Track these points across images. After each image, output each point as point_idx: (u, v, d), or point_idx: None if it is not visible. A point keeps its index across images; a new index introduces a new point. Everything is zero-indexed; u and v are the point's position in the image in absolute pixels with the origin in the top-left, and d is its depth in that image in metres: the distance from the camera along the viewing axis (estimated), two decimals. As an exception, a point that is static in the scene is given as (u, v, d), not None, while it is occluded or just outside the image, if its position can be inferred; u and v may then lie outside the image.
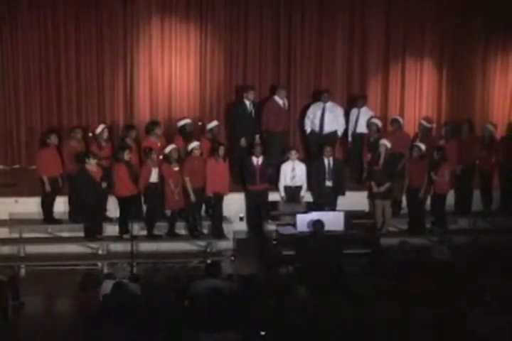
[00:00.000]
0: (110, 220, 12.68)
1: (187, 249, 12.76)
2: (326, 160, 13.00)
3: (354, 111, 14.18)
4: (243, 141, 13.60)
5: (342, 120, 14.04)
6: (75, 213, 12.55)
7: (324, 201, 12.88)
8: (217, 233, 12.73)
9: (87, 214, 12.28)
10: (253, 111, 13.72)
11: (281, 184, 13.10)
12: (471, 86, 15.39)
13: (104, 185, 12.14)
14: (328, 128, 13.94)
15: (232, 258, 12.28)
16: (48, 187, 12.36)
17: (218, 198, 12.65)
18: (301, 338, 8.18)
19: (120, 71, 14.39)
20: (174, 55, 14.47)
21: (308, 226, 11.49)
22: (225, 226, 12.86)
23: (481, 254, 11.61)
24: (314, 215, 11.66)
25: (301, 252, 11.03)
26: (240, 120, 13.71)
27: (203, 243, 12.82)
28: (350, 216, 12.15)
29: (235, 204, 13.09)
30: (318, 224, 11.17)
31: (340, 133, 14.07)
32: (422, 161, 12.94)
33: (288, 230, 11.89)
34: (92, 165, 12.06)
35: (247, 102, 13.71)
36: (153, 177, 12.34)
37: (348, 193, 13.18)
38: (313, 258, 10.79)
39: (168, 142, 12.91)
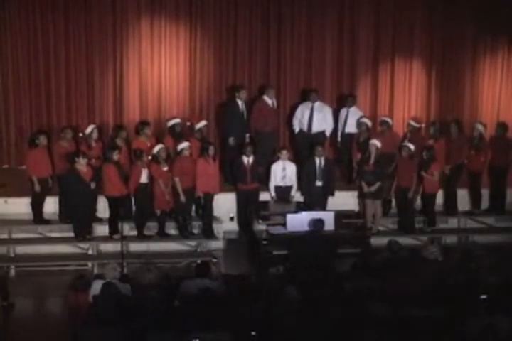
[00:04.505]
0: (100, 220, 12.68)
1: (177, 249, 12.78)
2: (317, 160, 13.02)
3: (343, 111, 14.20)
4: (231, 140, 13.61)
5: (330, 120, 14.05)
6: (64, 213, 12.53)
7: (314, 201, 12.90)
8: (208, 233, 12.74)
9: (77, 214, 12.26)
10: (245, 111, 13.73)
11: (272, 184, 13.13)
12: (460, 86, 15.45)
13: (93, 185, 12.12)
14: (316, 128, 13.95)
15: (214, 260, 12.23)
16: (37, 188, 12.34)
17: (208, 198, 12.66)
18: (291, 338, 8.19)
19: (110, 71, 14.38)
20: (164, 55, 14.47)
21: (308, 226, 11.52)
22: (215, 226, 12.87)
23: (470, 254, 11.63)
24: (304, 215, 11.69)
25: (300, 251, 11.10)
26: (231, 119, 13.71)
27: (193, 243, 12.83)
28: (340, 216, 12.18)
29: (225, 204, 13.11)
30: (318, 223, 11.23)
31: (328, 133, 14.08)
32: (411, 161, 12.98)
33: (278, 230, 11.90)
34: (82, 165, 12.04)
35: (239, 102, 13.70)
36: (144, 178, 12.34)
37: (337, 193, 13.20)
38: (313, 257, 10.89)
39: (158, 142, 12.92)
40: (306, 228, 11.52)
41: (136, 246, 12.55)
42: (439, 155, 13.17)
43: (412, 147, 12.98)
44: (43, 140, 12.47)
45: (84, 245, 12.46)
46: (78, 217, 12.28)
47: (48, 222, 12.58)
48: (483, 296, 8.77)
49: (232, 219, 13.24)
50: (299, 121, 14.06)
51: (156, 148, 12.45)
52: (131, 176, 12.30)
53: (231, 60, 14.73)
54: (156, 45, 14.40)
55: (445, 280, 9.57)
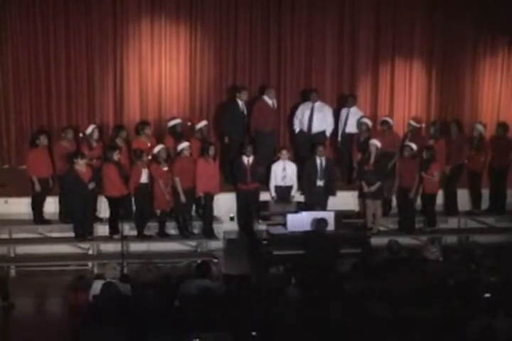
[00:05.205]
0: (100, 220, 12.68)
1: (177, 249, 12.78)
2: (318, 160, 13.02)
3: (344, 111, 14.19)
4: (226, 139, 13.64)
5: (331, 120, 14.05)
6: (65, 213, 12.53)
7: (315, 201, 12.90)
8: (208, 233, 12.74)
9: (77, 214, 12.26)
10: (245, 111, 13.73)
11: (272, 184, 13.13)
12: (460, 86, 15.46)
13: (91, 185, 12.09)
14: (316, 128, 13.95)
15: (215, 260, 12.19)
16: (38, 188, 12.34)
17: (209, 198, 12.65)
18: (291, 338, 8.19)
19: (110, 71, 14.37)
20: (164, 55, 14.46)
21: (311, 225, 11.52)
22: (216, 226, 12.86)
23: (471, 254, 11.64)
24: (304, 215, 11.69)
25: (306, 251, 11.13)
26: (231, 119, 13.71)
27: (193, 243, 12.84)
28: (340, 216, 12.19)
29: (225, 204, 13.11)
30: (322, 222, 11.23)
31: (328, 133, 14.07)
32: (413, 161, 12.97)
33: (278, 230, 11.91)
34: (81, 165, 12.02)
35: (240, 102, 13.71)
36: (144, 178, 12.34)
37: (338, 193, 13.20)
38: (316, 257, 10.95)
39: (158, 142, 12.92)
40: (306, 228, 11.54)
41: (136, 246, 12.55)
42: (439, 155, 13.17)
43: (414, 147, 12.97)
44: (43, 140, 12.46)
45: (85, 245, 12.46)
46: (78, 217, 12.27)
47: (48, 222, 12.58)
48: (487, 295, 8.75)
49: (232, 219, 13.23)
50: (300, 121, 14.06)
51: (157, 148, 12.46)
52: (132, 176, 12.30)
53: (231, 60, 14.73)
54: (156, 45, 14.39)
55: (445, 280, 9.57)
